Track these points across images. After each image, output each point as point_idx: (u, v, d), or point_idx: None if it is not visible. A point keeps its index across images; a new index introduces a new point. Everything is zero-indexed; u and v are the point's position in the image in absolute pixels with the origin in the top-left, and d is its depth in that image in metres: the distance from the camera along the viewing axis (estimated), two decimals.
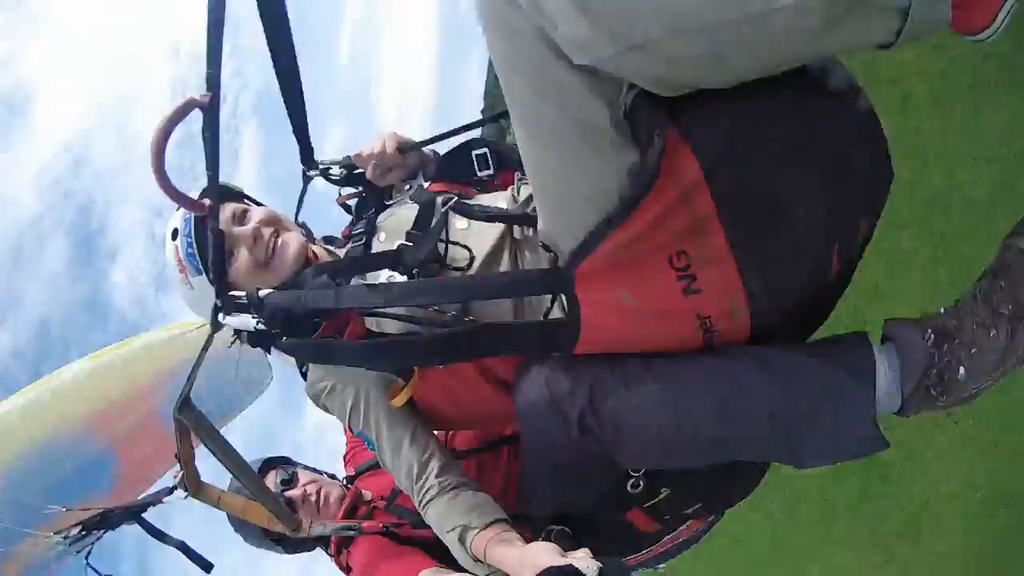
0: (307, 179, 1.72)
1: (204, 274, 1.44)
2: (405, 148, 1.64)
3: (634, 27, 0.89)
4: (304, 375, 1.58)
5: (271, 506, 1.77)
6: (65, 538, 1.88)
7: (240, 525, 2.10)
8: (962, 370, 1.14)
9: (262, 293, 1.36)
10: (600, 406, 1.19)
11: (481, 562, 1.33)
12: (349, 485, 2.17)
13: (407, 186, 1.63)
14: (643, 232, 1.05)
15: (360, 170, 1.67)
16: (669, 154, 1.01)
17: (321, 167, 1.71)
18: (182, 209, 1.42)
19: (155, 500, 1.96)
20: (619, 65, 0.93)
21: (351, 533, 1.90)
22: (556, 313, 1.32)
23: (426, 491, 1.44)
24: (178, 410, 1.48)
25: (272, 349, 1.50)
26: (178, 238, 1.46)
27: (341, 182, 1.72)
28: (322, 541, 2.05)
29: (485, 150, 1.64)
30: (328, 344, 1.46)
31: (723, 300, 1.12)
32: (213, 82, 1.19)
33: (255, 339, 1.47)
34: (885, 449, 1.19)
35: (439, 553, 1.71)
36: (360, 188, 1.71)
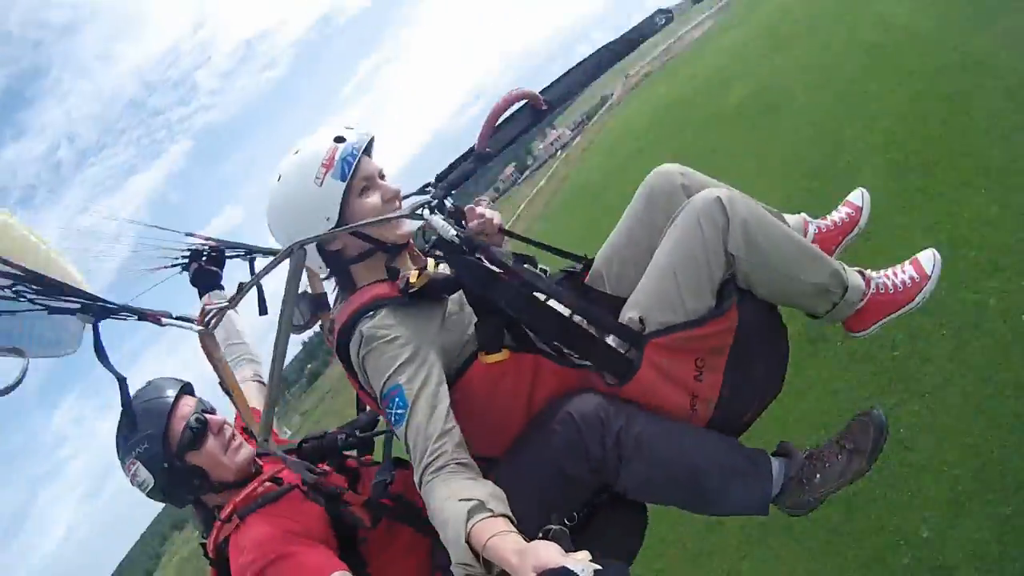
0: (428, 198, 2.05)
1: (344, 182, 1.83)
2: (503, 231, 2.26)
3: (757, 253, 1.86)
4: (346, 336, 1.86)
5: (271, 402, 1.94)
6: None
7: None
8: (818, 476, 1.98)
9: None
10: (632, 428, 1.80)
11: (469, 546, 1.41)
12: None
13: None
14: (697, 338, 1.84)
15: (462, 220, 2.15)
16: (729, 311, 1.85)
17: (445, 193, 2.07)
18: (353, 134, 1.88)
19: (154, 316, 1.99)
20: (740, 261, 1.86)
21: (310, 476, 1.94)
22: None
23: (439, 455, 1.63)
24: (299, 245, 1.83)
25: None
26: (345, 143, 1.86)
27: (451, 215, 2.09)
28: (224, 493, 2.08)
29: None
30: (499, 280, 1.84)
31: (708, 391, 1.89)
32: (553, 104, 2.08)
33: (447, 247, 1.87)
34: (765, 514, 1.99)
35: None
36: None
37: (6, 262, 1.74)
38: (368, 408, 2.20)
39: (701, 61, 23.95)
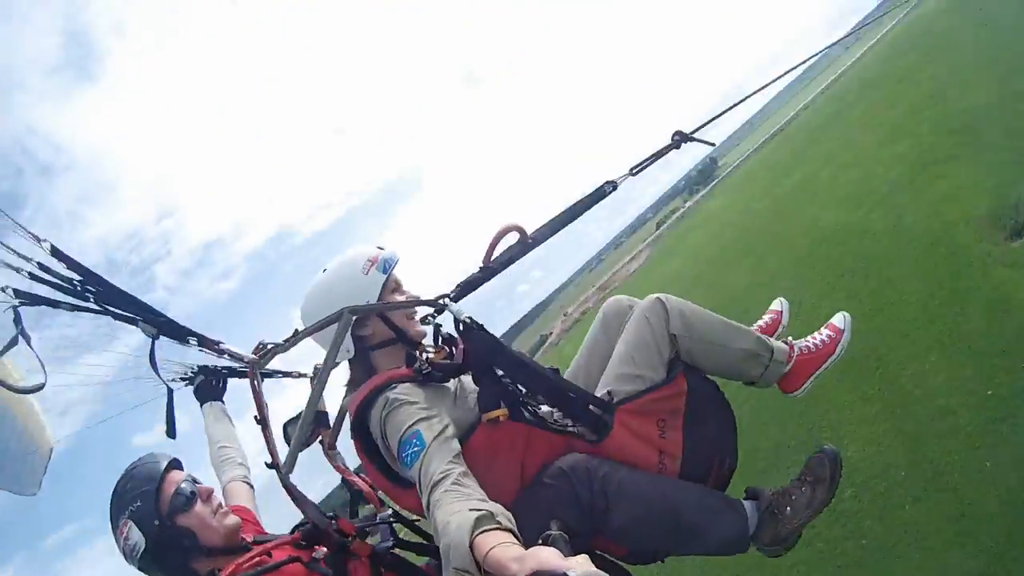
0: (441, 310, 2.44)
1: (386, 275, 2.32)
2: None
3: (693, 332, 2.37)
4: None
5: (300, 438, 2.01)
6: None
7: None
8: (788, 508, 2.30)
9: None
10: (615, 474, 2.13)
11: (472, 556, 1.44)
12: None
13: None
14: (655, 401, 2.27)
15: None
16: (678, 377, 2.31)
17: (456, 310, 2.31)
18: (389, 250, 2.38)
19: (214, 344, 2.18)
20: (681, 339, 2.35)
21: (322, 519, 2.01)
22: None
23: (447, 475, 1.77)
24: (351, 311, 2.12)
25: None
26: (386, 251, 2.37)
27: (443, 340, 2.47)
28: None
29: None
30: (503, 345, 2.20)
31: (672, 447, 2.28)
32: (536, 240, 2.63)
33: (463, 325, 2.19)
34: (744, 551, 2.30)
35: None
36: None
37: (71, 259, 1.87)
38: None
39: (635, 291, 25.42)
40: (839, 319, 2.65)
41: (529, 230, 2.59)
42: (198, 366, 2.97)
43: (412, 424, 1.97)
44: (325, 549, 2.12)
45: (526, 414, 2.21)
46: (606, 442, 2.21)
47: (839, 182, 10.83)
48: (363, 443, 2.21)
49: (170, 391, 2.42)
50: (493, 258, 2.51)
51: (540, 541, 1.35)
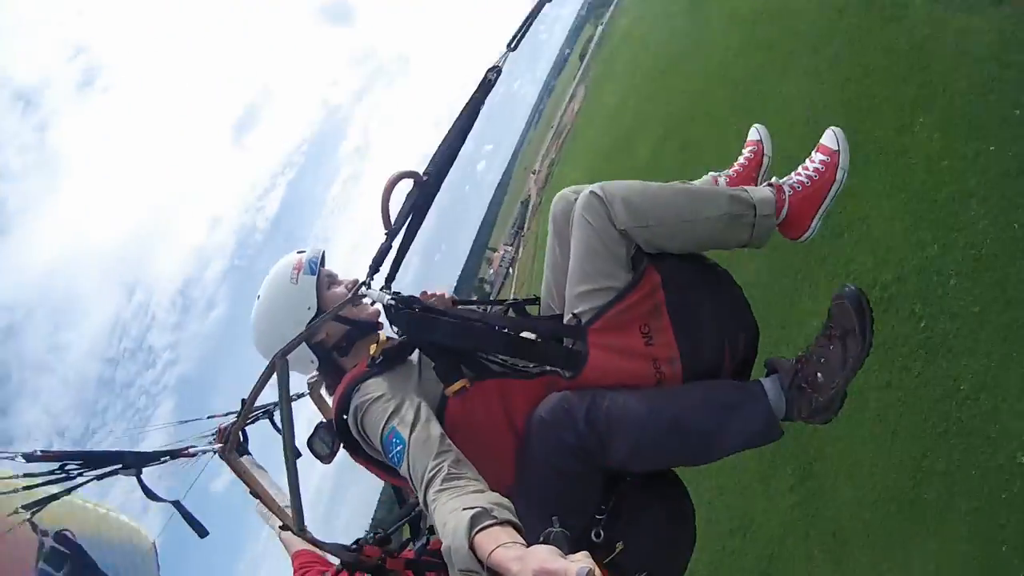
0: (378, 292, 2.25)
1: (315, 275, 2.23)
2: (456, 302, 2.31)
3: (645, 218, 1.95)
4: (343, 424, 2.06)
5: (295, 495, 2.03)
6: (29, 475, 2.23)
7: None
8: (819, 374, 1.94)
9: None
10: (600, 404, 1.89)
11: (473, 554, 1.40)
12: None
13: None
14: (628, 308, 1.96)
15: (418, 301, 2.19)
16: (646, 274, 1.98)
17: (394, 293, 2.20)
18: (309, 249, 2.35)
19: (183, 450, 2.33)
20: (634, 232, 1.96)
21: (347, 555, 2.11)
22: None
23: (438, 471, 1.67)
24: (281, 355, 1.97)
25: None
26: (305, 254, 2.28)
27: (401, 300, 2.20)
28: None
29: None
30: (434, 318, 2.03)
31: (666, 351, 1.96)
32: (433, 174, 2.25)
33: (386, 310, 2.07)
34: (780, 435, 1.94)
35: None
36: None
37: (51, 452, 2.23)
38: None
39: (591, 130, 24.80)
40: (829, 137, 2.15)
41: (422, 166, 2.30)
42: (216, 430, 3.01)
43: (385, 423, 1.87)
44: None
45: (493, 367, 2.03)
46: (585, 372, 1.96)
47: None
48: (353, 449, 2.13)
49: (176, 502, 2.46)
50: (393, 218, 2.22)
51: (541, 539, 1.30)
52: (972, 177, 3.80)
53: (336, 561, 2.28)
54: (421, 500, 1.70)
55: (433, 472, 1.69)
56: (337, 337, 2.24)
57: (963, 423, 3.28)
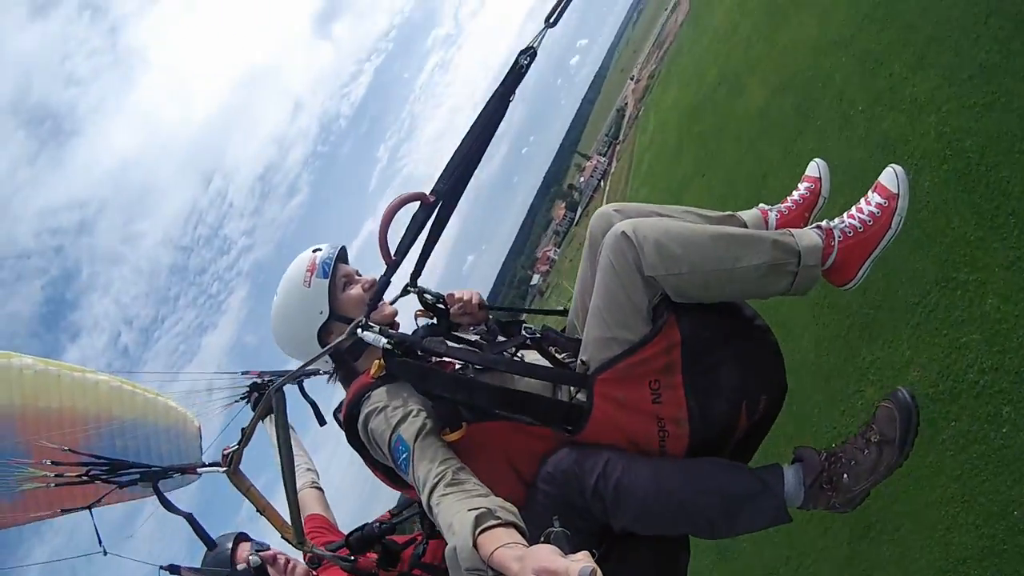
0: (405, 292, 2.29)
1: (327, 279, 2.19)
2: (484, 306, 2.40)
3: (678, 265, 1.82)
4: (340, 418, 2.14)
5: (294, 512, 2.22)
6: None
7: None
8: (846, 476, 1.88)
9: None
10: (611, 474, 1.85)
11: (476, 552, 1.42)
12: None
13: (471, 328, 2.38)
14: (640, 363, 1.87)
15: (444, 305, 2.32)
16: (666, 328, 1.87)
17: (420, 288, 2.26)
18: (326, 247, 2.28)
19: (190, 468, 2.41)
20: (664, 279, 1.83)
21: (344, 565, 2.28)
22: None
23: (442, 476, 1.70)
24: (276, 390, 2.20)
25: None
26: (320, 253, 2.23)
27: (428, 306, 2.31)
28: None
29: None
30: (432, 370, 2.00)
31: (674, 410, 1.89)
32: (441, 194, 2.05)
33: (384, 353, 1.98)
34: (789, 522, 1.91)
35: None
36: (437, 316, 2.33)
37: (80, 453, 2.44)
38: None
39: (696, 52, 22.91)
40: (889, 178, 1.98)
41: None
42: (249, 385, 3.14)
43: (392, 432, 1.89)
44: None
45: (492, 412, 1.97)
46: (589, 425, 1.90)
47: None
48: (364, 455, 2.15)
49: (189, 515, 2.55)
50: (394, 249, 2.10)
51: (542, 539, 1.33)
52: None
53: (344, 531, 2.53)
54: (425, 504, 1.71)
55: (438, 477, 1.70)
56: (351, 341, 2.19)
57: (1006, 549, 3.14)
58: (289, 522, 2.44)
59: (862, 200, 2.00)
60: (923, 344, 4.12)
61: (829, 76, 7.78)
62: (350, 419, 2.08)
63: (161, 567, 2.55)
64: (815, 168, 2.35)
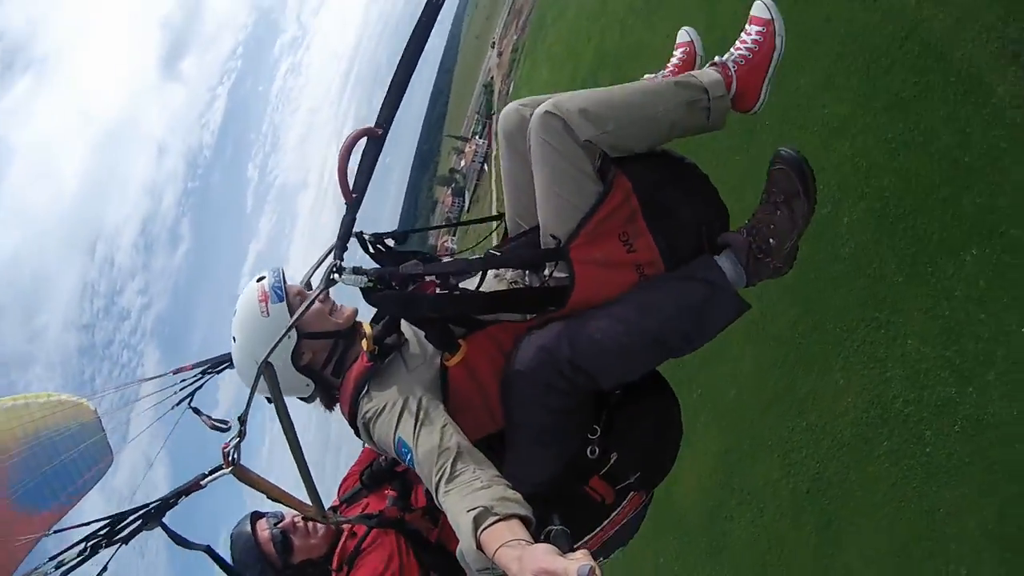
0: (362, 241, 2.26)
1: (283, 301, 2.16)
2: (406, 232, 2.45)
3: (605, 124, 1.97)
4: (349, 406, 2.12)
5: (310, 486, 2.20)
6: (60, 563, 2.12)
7: None
8: (771, 240, 2.04)
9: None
10: (578, 344, 1.90)
11: (482, 551, 1.46)
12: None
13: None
14: (604, 219, 2.00)
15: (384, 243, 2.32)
16: (616, 181, 2.01)
17: (369, 270, 2.15)
18: (268, 272, 2.25)
19: (194, 485, 2.25)
20: (598, 139, 1.99)
21: (370, 523, 2.35)
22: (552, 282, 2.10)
23: (441, 474, 1.73)
24: (266, 364, 2.09)
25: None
26: (266, 280, 2.20)
27: (376, 247, 2.30)
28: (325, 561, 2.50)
29: None
30: (417, 295, 2.10)
31: (647, 254, 2.02)
32: (386, 123, 2.04)
33: (364, 294, 2.05)
34: (748, 309, 2.04)
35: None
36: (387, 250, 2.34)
37: (81, 526, 2.22)
38: None
39: (563, 26, 22.89)
40: (760, 8, 2.19)
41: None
42: (191, 385, 2.84)
43: (392, 434, 1.93)
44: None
45: (480, 319, 2.08)
46: (574, 296, 2.00)
47: None
48: (372, 445, 2.20)
49: (208, 547, 2.44)
50: (352, 183, 2.10)
51: (542, 537, 1.36)
52: None
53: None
54: (436, 502, 1.77)
55: (439, 476, 1.75)
56: (324, 354, 2.23)
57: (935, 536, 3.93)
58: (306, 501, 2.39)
59: (742, 33, 2.20)
60: (853, 376, 4.62)
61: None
62: (352, 417, 2.14)
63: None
64: (685, 34, 2.56)
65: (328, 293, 2.23)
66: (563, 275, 2.04)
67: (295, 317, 2.14)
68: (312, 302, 2.14)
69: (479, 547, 1.48)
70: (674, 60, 2.55)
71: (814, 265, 4.92)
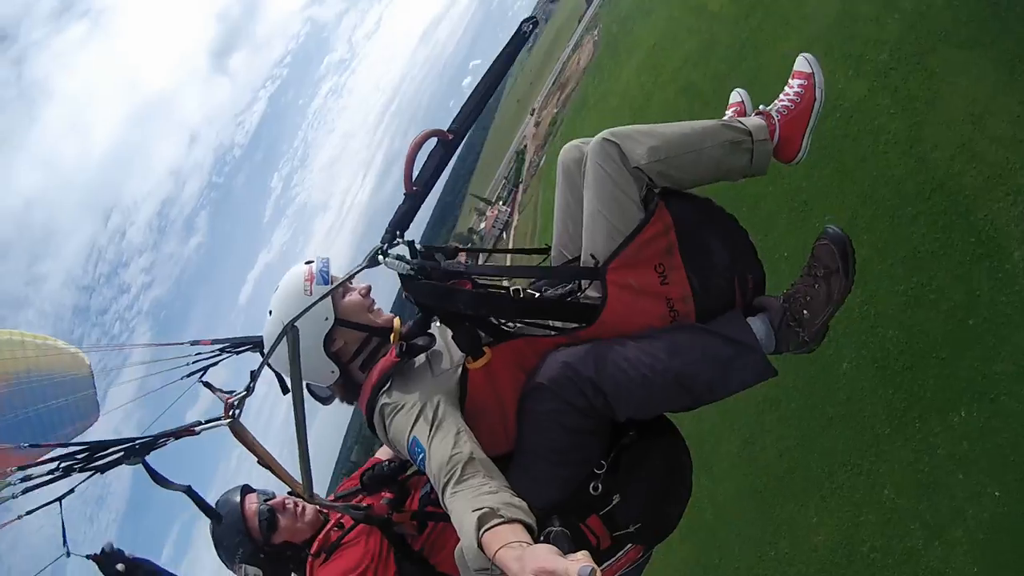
0: (396, 241, 2.22)
1: (328, 285, 2.21)
2: (461, 250, 2.44)
3: (656, 153, 2.06)
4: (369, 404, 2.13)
5: (305, 462, 2.19)
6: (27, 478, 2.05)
7: None
8: (805, 312, 2.11)
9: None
10: (603, 367, 1.94)
11: (482, 551, 1.47)
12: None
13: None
14: (644, 245, 2.06)
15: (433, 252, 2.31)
16: (658, 212, 2.08)
17: (413, 260, 2.18)
18: (315, 259, 2.30)
19: (187, 430, 2.22)
20: (648, 167, 2.06)
21: (357, 514, 2.34)
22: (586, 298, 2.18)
23: (451, 476, 1.75)
24: (291, 326, 2.11)
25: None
26: (314, 264, 2.26)
27: (425, 251, 2.27)
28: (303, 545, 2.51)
29: None
30: (455, 288, 2.10)
31: (680, 289, 2.07)
32: (459, 133, 2.19)
33: (404, 281, 2.09)
34: (775, 375, 2.06)
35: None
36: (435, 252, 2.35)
37: (59, 445, 2.18)
38: None
39: (605, 109, 23.42)
40: (802, 64, 2.33)
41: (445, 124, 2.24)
42: (220, 349, 2.86)
43: (408, 434, 1.96)
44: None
45: (508, 329, 2.11)
46: (604, 316, 2.04)
47: None
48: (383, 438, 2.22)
49: (188, 488, 2.41)
50: (415, 177, 2.18)
51: (542, 538, 1.38)
52: None
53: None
54: (441, 503, 1.78)
55: (447, 476, 1.77)
56: (355, 346, 2.27)
57: None
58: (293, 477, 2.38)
59: (785, 87, 2.32)
60: (828, 514, 4.75)
61: (756, 201, 7.16)
62: (369, 413, 2.16)
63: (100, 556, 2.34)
64: (737, 96, 2.58)
65: (371, 292, 2.33)
66: (596, 295, 2.10)
67: (335, 285, 2.21)
68: (356, 272, 2.19)
69: (480, 547, 1.49)
70: (725, 117, 2.55)
71: (811, 403, 5.07)
